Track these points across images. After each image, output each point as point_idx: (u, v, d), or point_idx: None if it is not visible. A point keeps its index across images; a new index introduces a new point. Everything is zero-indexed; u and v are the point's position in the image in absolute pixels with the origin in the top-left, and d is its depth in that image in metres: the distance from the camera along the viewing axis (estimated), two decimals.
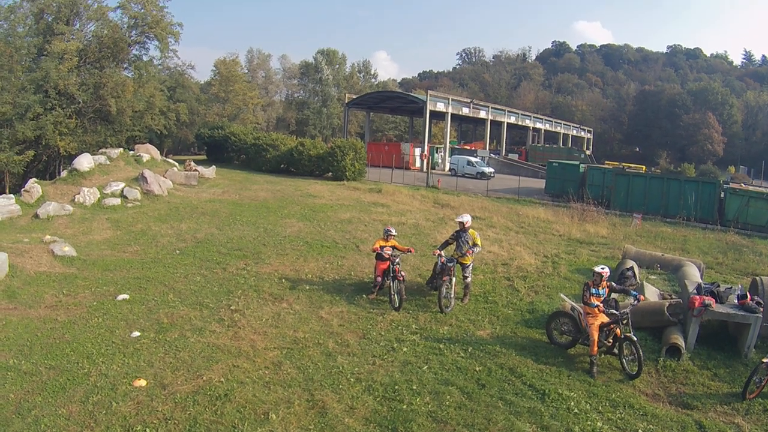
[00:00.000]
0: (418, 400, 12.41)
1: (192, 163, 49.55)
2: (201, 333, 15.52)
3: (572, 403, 12.94)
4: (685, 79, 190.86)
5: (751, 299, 16.42)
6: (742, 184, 64.06)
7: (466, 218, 19.88)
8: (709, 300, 16.66)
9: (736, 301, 16.69)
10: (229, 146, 67.24)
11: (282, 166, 61.62)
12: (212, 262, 22.91)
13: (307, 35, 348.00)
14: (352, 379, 13.19)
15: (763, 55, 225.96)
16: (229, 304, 17.94)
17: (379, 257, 19.17)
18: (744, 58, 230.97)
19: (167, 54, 64.71)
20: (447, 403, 12.40)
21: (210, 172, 49.97)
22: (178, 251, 24.49)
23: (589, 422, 12.20)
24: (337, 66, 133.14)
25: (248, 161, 64.16)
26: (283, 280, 20.77)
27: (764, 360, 14.08)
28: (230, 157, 67.19)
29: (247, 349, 14.59)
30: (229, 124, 77.36)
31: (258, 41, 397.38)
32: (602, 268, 15.71)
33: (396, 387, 12.90)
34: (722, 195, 47.08)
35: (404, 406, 12.10)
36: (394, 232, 19.81)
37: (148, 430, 10.82)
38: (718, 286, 18.14)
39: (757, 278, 19.38)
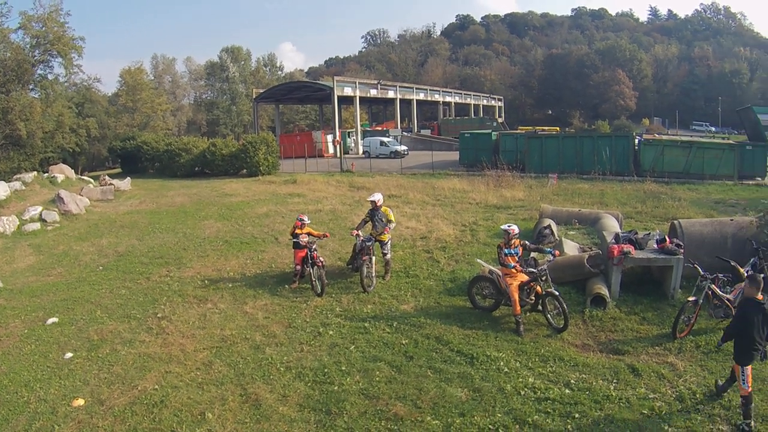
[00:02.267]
0: (348, 379, 12.61)
1: (106, 178, 48.89)
2: (131, 344, 15.43)
3: (502, 363, 13.26)
4: (592, 39, 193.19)
5: (671, 242, 16.98)
6: (656, 135, 65.71)
7: (377, 197, 20.20)
8: (628, 248, 17.12)
9: (655, 246, 17.20)
10: (142, 156, 65.96)
11: (196, 169, 61.08)
12: (135, 273, 22.69)
13: (210, 34, 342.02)
14: (282, 368, 13.33)
15: (669, 10, 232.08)
16: (156, 312, 17.85)
17: (297, 246, 19.33)
18: (650, 14, 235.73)
19: (72, 70, 62.97)
20: (377, 378, 12.63)
21: (125, 184, 49.28)
22: (101, 267, 24.12)
23: (520, 379, 12.53)
24: (243, 62, 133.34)
25: (162, 168, 63.15)
26: (206, 281, 20.77)
27: (690, 299, 14.62)
28: (145, 167, 65.99)
29: (177, 354, 14.58)
30: (140, 133, 76.21)
31: (162, 46, 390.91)
32: (509, 226, 16.09)
33: (325, 370, 13.08)
34: (637, 147, 48.28)
35: (335, 388, 12.29)
36: (307, 220, 19.97)
37: None
38: (636, 233, 18.62)
39: (675, 222, 20.04)
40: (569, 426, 10.92)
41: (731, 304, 14.81)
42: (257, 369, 13.40)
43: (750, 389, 11.13)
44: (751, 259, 17.32)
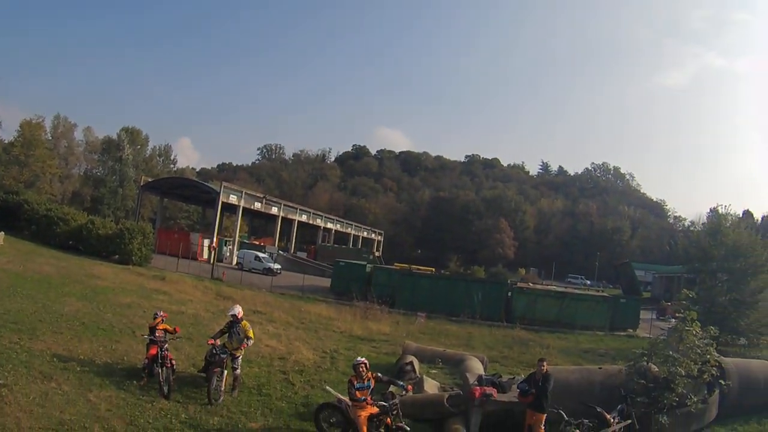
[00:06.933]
0: None
1: None
2: None
3: None
4: (481, 186, 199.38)
5: None
6: (530, 284, 67.73)
7: (237, 310, 19.87)
8: (490, 390, 17.27)
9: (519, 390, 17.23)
10: (21, 214, 64.10)
11: (71, 242, 60.19)
12: None
13: (115, 109, 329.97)
14: None
15: (560, 166, 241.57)
16: None
17: (152, 341, 18.83)
18: (541, 169, 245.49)
19: None
20: None
21: None
22: None
23: None
24: (139, 146, 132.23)
25: (38, 233, 61.75)
26: (55, 359, 19.57)
27: None
28: (22, 227, 63.91)
29: (11, 427, 13.64)
30: (24, 190, 74.23)
31: (68, 107, 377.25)
32: (359, 360, 16.10)
33: None
34: (509, 294, 49.60)
35: None
36: (162, 314, 19.78)
37: None
38: (500, 376, 18.98)
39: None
40: None
41: None
42: None
43: None
44: (618, 406, 17.77)
